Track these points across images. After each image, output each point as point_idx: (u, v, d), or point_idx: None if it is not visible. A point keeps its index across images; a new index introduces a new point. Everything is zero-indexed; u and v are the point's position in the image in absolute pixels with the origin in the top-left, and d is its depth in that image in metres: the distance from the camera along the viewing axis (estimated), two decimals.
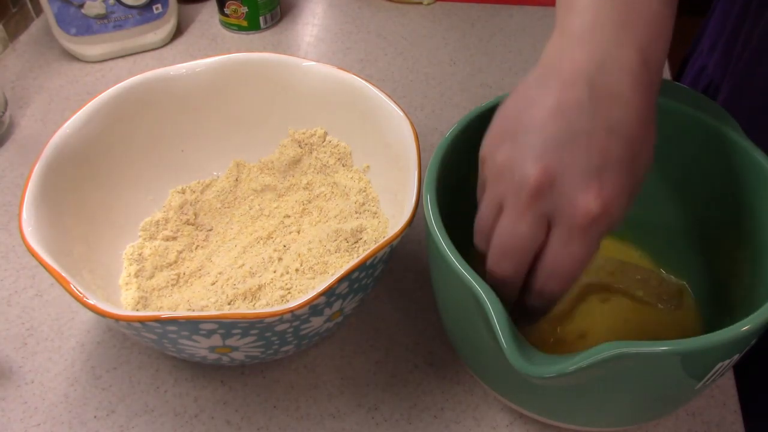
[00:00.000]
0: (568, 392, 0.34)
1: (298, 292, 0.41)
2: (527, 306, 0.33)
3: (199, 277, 0.45)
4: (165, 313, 0.32)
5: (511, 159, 0.29)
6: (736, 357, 0.32)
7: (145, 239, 0.47)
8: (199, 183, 0.51)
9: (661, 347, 0.28)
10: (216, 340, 0.35)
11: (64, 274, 0.34)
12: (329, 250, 0.43)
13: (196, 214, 0.49)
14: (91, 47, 0.68)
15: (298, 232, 0.47)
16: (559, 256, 0.29)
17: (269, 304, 0.41)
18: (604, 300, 0.43)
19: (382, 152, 0.46)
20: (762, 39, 0.53)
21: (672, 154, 0.41)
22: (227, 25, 0.74)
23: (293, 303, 0.33)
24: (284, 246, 0.45)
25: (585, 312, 0.43)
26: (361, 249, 0.44)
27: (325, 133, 0.50)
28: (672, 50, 0.75)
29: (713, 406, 0.41)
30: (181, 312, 0.33)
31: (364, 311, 0.47)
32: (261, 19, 0.73)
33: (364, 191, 0.48)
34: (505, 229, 0.30)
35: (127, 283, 0.44)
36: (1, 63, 0.69)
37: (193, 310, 0.41)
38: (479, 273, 0.31)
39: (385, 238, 0.36)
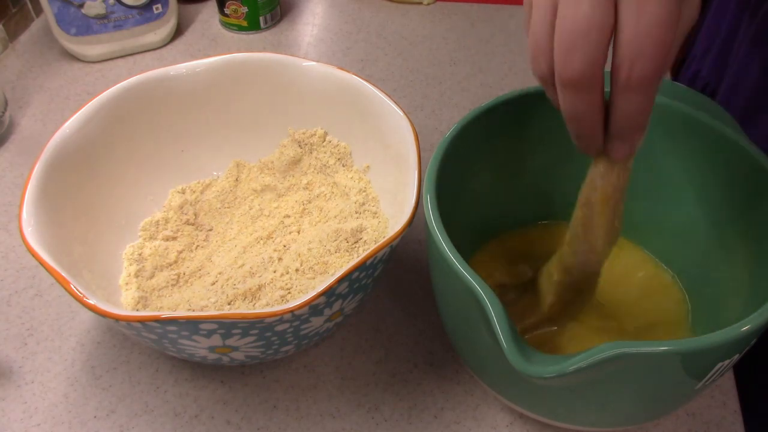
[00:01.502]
0: (568, 392, 0.34)
1: (298, 292, 0.41)
2: (614, 133, 0.29)
3: (199, 277, 0.45)
4: (165, 313, 0.32)
5: None
6: (736, 357, 0.32)
7: (145, 239, 0.47)
8: (199, 183, 0.51)
9: (661, 347, 0.28)
10: (216, 340, 0.35)
11: (64, 274, 0.34)
12: (329, 250, 0.43)
13: (196, 214, 0.49)
14: (91, 47, 0.68)
15: (298, 232, 0.47)
16: (640, 26, 0.25)
17: (269, 304, 0.41)
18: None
19: (382, 152, 0.46)
20: (757, 32, 0.53)
21: (672, 153, 0.41)
22: (227, 25, 0.74)
23: (293, 303, 0.33)
24: (284, 246, 0.45)
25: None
26: (361, 249, 0.44)
27: (325, 133, 0.50)
28: (679, 51, 0.75)
29: (713, 406, 0.41)
30: (181, 312, 0.33)
31: (364, 311, 0.47)
32: (261, 19, 0.73)
33: (364, 191, 0.48)
34: (567, 17, 0.26)
35: (127, 283, 0.44)
36: (1, 63, 0.69)
37: (193, 310, 0.41)
38: (479, 274, 0.31)
39: (385, 238, 0.36)
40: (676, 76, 0.74)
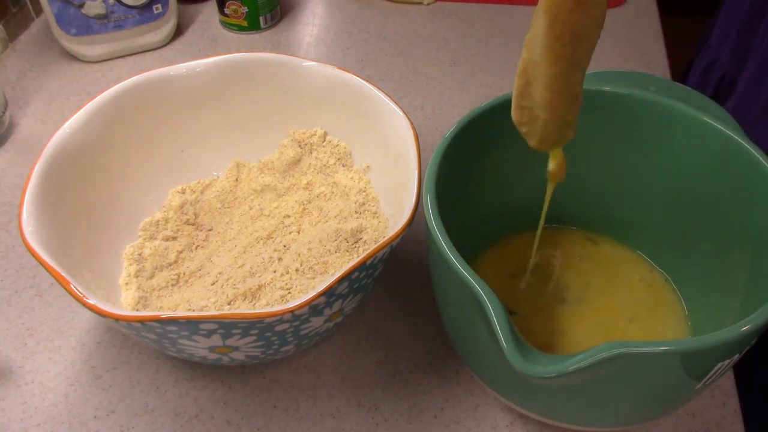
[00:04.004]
0: (568, 392, 0.34)
1: (298, 292, 0.41)
2: None
3: (199, 277, 0.45)
4: (165, 313, 0.32)
5: None
6: (736, 357, 0.32)
7: (145, 239, 0.47)
8: (199, 183, 0.51)
9: (661, 347, 0.28)
10: (216, 340, 0.35)
11: (64, 274, 0.34)
12: (329, 250, 0.43)
13: (196, 214, 0.49)
14: (91, 47, 0.68)
15: (298, 232, 0.47)
16: None
17: (269, 304, 0.41)
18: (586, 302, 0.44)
19: (382, 152, 0.46)
20: None
21: (672, 154, 0.41)
22: (227, 25, 0.74)
23: (293, 303, 0.33)
24: (284, 246, 0.45)
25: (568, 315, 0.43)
26: (361, 249, 0.44)
27: (325, 133, 0.50)
28: (676, 51, 0.74)
29: (713, 406, 0.41)
30: (181, 312, 0.33)
31: (364, 311, 0.47)
32: (261, 19, 0.73)
33: (364, 191, 0.48)
34: None
35: (127, 283, 0.44)
36: (1, 63, 0.69)
37: (193, 310, 0.41)
38: (479, 273, 0.31)
39: (385, 238, 0.36)
40: (688, 67, 0.73)
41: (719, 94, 0.63)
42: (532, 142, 0.34)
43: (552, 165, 0.36)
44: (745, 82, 0.57)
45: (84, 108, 0.44)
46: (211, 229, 0.49)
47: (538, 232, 0.41)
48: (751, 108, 0.56)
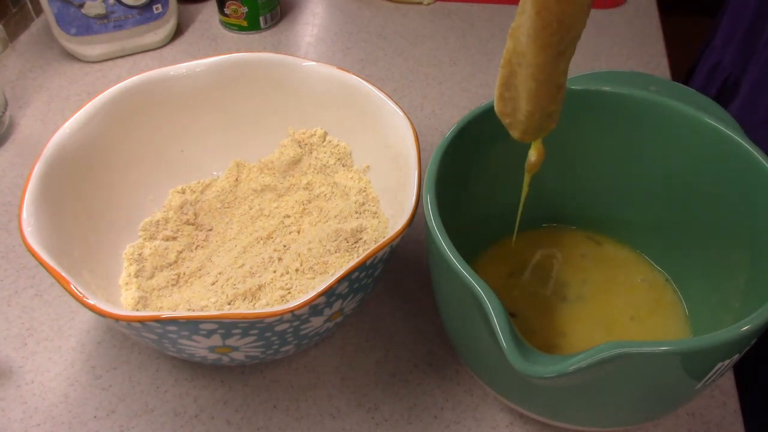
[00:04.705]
0: (568, 392, 0.34)
1: (298, 292, 0.41)
2: None
3: (199, 277, 0.45)
4: (165, 313, 0.32)
5: None
6: (736, 357, 0.32)
7: (145, 239, 0.47)
8: (199, 183, 0.51)
9: (661, 347, 0.28)
10: (216, 340, 0.35)
11: (64, 274, 0.34)
12: (329, 250, 0.43)
13: (196, 214, 0.49)
14: (91, 47, 0.68)
15: (298, 232, 0.47)
16: None
17: (269, 304, 0.41)
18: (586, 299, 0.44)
19: (382, 152, 0.46)
20: None
21: (672, 154, 0.41)
22: (227, 25, 0.74)
23: (293, 303, 0.33)
24: (284, 246, 0.45)
25: (568, 312, 0.43)
26: (361, 249, 0.44)
27: (325, 133, 0.50)
28: (676, 51, 0.73)
29: (713, 406, 0.41)
30: (181, 312, 0.33)
31: (364, 311, 0.47)
32: (261, 19, 0.73)
33: (364, 191, 0.48)
34: None
35: (127, 283, 0.44)
36: (1, 63, 0.69)
37: (193, 310, 0.41)
38: (482, 276, 0.31)
39: (385, 238, 0.36)
40: (693, 68, 0.73)
41: (723, 96, 0.63)
42: (515, 134, 0.34)
43: (533, 155, 0.36)
44: (749, 84, 0.57)
45: (84, 108, 0.44)
46: (211, 229, 0.49)
47: (516, 227, 0.41)
48: (754, 111, 0.55)
